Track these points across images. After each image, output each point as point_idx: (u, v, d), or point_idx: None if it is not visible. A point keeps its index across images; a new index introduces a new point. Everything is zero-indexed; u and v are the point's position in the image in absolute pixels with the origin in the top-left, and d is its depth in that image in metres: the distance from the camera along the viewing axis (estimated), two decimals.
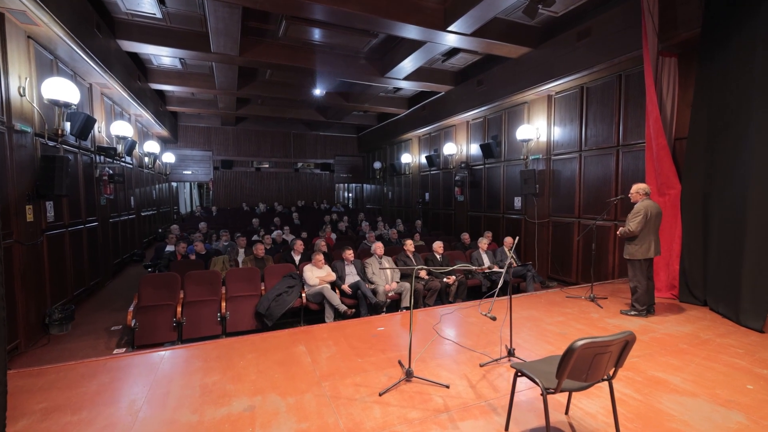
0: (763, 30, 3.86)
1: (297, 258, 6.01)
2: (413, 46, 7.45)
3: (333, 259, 5.99)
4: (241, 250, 6.60)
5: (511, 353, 3.11)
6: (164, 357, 3.33)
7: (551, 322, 4.12)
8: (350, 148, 17.24)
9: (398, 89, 11.09)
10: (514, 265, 6.62)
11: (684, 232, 4.86)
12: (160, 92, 10.97)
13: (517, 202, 8.44)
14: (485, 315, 2.90)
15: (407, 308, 5.35)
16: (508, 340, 3.49)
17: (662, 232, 4.90)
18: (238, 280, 5.07)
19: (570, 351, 1.76)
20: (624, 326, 3.96)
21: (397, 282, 5.54)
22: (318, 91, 8.99)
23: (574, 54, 6.47)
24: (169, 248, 6.98)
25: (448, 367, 3.04)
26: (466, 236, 7.50)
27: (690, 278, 4.76)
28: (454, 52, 8.15)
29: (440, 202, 11.45)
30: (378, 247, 5.73)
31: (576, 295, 5.08)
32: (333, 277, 5.30)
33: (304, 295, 5.11)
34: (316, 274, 5.24)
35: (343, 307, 4.73)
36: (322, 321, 5.00)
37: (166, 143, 13.64)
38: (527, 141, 7.75)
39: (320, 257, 5.31)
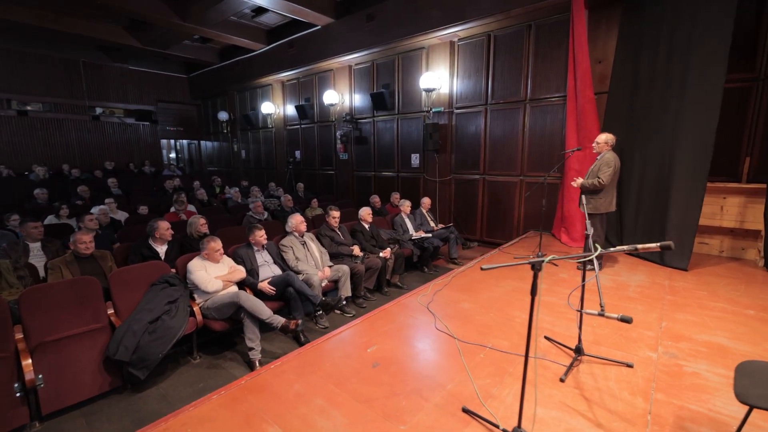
0: None
1: (162, 249, 3.71)
2: None
3: None
4: (36, 245, 3.70)
5: (579, 351, 2.34)
6: None
7: (540, 292, 3.59)
8: (179, 92, 13.18)
9: (258, 13, 8.57)
10: (436, 227, 6.02)
11: None
12: None
13: (415, 159, 7.81)
14: (604, 315, 1.96)
15: (339, 298, 3.98)
16: (540, 329, 2.73)
17: None
18: (52, 308, 2.63)
19: None
20: (606, 285, 3.78)
21: (330, 266, 4.10)
22: None
23: None
24: None
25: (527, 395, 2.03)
26: (376, 199, 6.43)
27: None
28: None
29: (317, 162, 9.88)
30: (298, 221, 4.05)
31: (524, 255, 4.81)
32: (241, 273, 3.42)
33: (196, 309, 3.12)
34: (215, 273, 3.26)
35: (279, 319, 3.03)
36: (229, 347, 3.21)
37: None
38: (431, 91, 7.04)
39: (218, 245, 3.31)
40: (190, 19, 8.18)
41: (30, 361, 2.39)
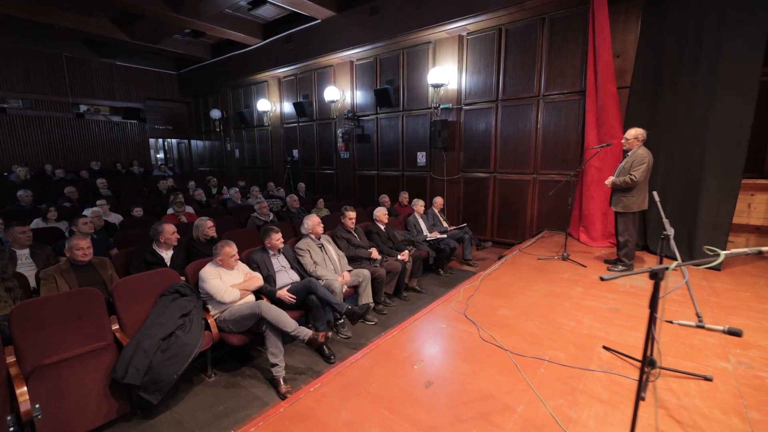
0: None
1: (167, 255, 3.37)
2: None
3: None
4: (24, 252, 3.32)
5: (652, 363, 2.11)
6: None
7: (577, 296, 3.39)
8: (168, 89, 12.66)
9: (254, 5, 8.20)
10: (449, 228, 5.79)
11: None
12: None
13: (421, 157, 7.57)
14: (704, 327, 1.74)
15: (367, 307, 3.72)
16: (594, 337, 2.51)
17: (601, 182, 4.93)
18: (48, 325, 2.29)
19: None
20: (641, 287, 3.60)
21: (349, 270, 3.82)
22: None
23: None
24: None
25: (608, 418, 1.80)
26: (385, 198, 6.15)
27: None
28: None
29: (316, 160, 9.55)
30: (315, 223, 3.76)
31: (547, 256, 4.61)
32: (259, 281, 3.11)
33: (211, 321, 2.80)
34: (230, 281, 2.95)
35: (306, 332, 2.73)
36: (246, 362, 2.90)
37: None
38: (439, 86, 6.81)
39: (233, 250, 2.99)
40: (183, 11, 7.76)
41: (25, 388, 2.05)
